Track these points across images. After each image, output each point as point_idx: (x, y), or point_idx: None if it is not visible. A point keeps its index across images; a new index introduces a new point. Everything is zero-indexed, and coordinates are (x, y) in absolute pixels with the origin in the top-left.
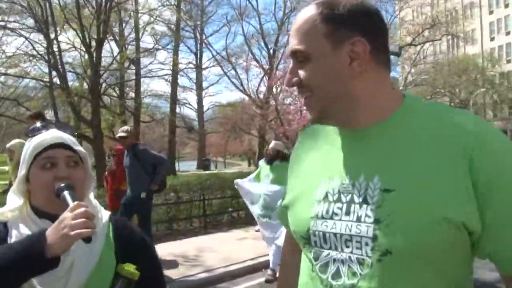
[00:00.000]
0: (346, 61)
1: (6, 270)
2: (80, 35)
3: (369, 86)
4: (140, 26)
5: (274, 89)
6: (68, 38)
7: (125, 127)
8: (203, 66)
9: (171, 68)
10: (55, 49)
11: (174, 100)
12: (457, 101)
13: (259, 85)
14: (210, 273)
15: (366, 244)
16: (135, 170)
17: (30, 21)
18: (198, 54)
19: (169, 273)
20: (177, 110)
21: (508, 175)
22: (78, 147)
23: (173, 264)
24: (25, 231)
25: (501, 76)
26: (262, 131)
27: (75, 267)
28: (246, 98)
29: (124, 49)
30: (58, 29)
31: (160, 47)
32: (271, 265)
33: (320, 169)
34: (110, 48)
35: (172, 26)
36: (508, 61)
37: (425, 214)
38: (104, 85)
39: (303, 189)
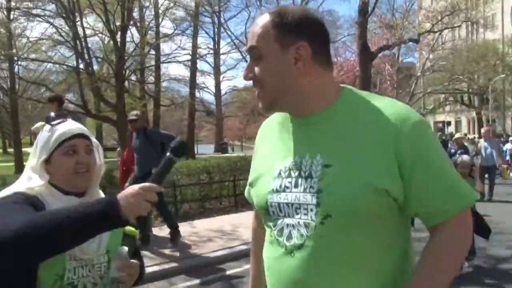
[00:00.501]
0: (292, 61)
1: (85, 224)
2: (105, 20)
3: (312, 82)
4: (160, 11)
5: None
6: (88, 23)
7: (135, 111)
8: (221, 51)
9: (190, 53)
10: (80, 33)
11: (193, 84)
12: (475, 87)
13: None
14: (248, 246)
15: (311, 210)
16: (145, 151)
17: (52, 7)
18: (216, 39)
19: (210, 245)
20: (196, 94)
21: (425, 153)
22: (93, 138)
23: (212, 238)
24: (57, 204)
25: None
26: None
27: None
28: None
29: (144, 34)
30: (83, 14)
31: (179, 31)
32: None
33: (275, 151)
34: (130, 34)
35: (191, 11)
36: None
37: (355, 183)
38: (127, 70)
39: (263, 170)
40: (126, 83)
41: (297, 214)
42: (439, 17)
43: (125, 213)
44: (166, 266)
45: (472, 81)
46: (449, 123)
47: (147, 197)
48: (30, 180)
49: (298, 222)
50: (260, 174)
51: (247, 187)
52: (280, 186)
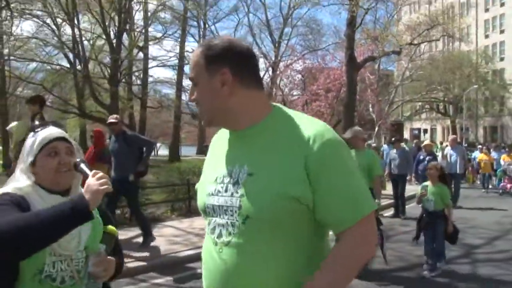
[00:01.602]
0: (219, 85)
1: (59, 223)
2: (101, 24)
3: (240, 102)
4: (149, 14)
5: (278, 81)
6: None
7: (114, 115)
8: None
9: (178, 57)
10: (76, 32)
11: (179, 87)
12: (451, 96)
13: (263, 76)
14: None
15: (235, 212)
16: (124, 154)
17: (37, 6)
18: (201, 42)
19: (177, 247)
20: (183, 97)
21: (328, 169)
22: (72, 141)
23: (180, 239)
24: (40, 203)
25: (494, 73)
26: None
27: (82, 228)
28: None
29: (133, 37)
30: (79, 18)
31: (168, 34)
32: None
33: (217, 160)
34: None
35: (180, 16)
36: (502, 59)
37: (270, 190)
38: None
39: (205, 176)
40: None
41: (226, 215)
42: (420, 31)
43: (91, 208)
44: (135, 264)
45: (448, 90)
46: (425, 131)
47: (101, 187)
48: (18, 182)
49: (227, 222)
50: (203, 179)
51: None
52: (215, 190)
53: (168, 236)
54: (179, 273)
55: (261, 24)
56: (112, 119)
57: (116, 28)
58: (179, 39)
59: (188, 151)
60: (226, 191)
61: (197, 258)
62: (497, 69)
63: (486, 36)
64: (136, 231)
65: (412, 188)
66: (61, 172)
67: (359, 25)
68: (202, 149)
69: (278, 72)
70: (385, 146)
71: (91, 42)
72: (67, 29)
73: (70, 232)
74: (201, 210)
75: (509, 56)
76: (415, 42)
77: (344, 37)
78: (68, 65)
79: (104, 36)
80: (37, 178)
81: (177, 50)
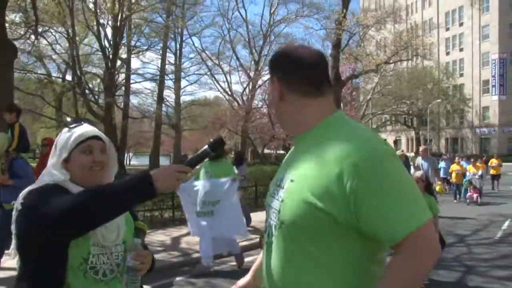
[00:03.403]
0: (273, 92)
1: (126, 197)
2: (97, 38)
3: (289, 109)
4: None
5: (260, 95)
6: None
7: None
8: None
9: (159, 69)
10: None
11: (160, 98)
12: (415, 110)
13: (244, 89)
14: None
15: (276, 215)
16: None
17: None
18: (178, 54)
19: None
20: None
21: (369, 180)
22: (106, 138)
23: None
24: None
25: (454, 88)
26: (244, 132)
27: (120, 224)
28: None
29: (117, 50)
30: (78, 34)
31: (151, 47)
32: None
33: (283, 163)
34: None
35: (161, 31)
36: (461, 75)
37: (300, 198)
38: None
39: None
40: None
41: (273, 216)
42: (391, 49)
43: (156, 185)
44: None
45: (413, 104)
46: (395, 142)
47: (177, 175)
48: (53, 176)
49: (271, 223)
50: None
51: None
52: (272, 192)
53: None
54: (157, 282)
55: (243, 40)
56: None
57: (111, 42)
58: (160, 52)
59: (163, 161)
60: (276, 194)
61: (175, 266)
62: (457, 84)
63: (447, 53)
64: None
65: None
66: (94, 170)
67: (345, 46)
68: (181, 159)
69: (256, 86)
70: None
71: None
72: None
73: (122, 215)
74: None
75: (468, 72)
76: (392, 61)
77: (330, 57)
78: (59, 76)
79: (98, 49)
80: (70, 175)
81: (157, 62)
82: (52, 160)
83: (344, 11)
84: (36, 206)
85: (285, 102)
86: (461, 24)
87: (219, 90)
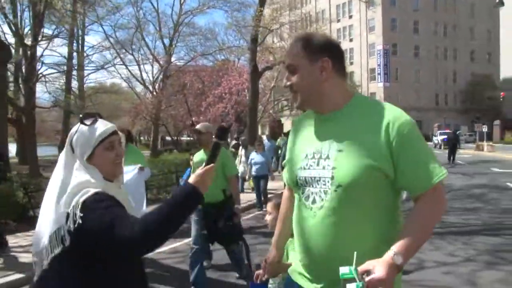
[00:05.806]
0: (318, 71)
1: (184, 209)
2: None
3: (331, 88)
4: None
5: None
6: None
7: None
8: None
9: (66, 57)
10: None
11: (68, 86)
12: None
13: (157, 78)
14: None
15: (328, 182)
16: None
17: None
18: (80, 41)
19: None
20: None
21: (407, 143)
22: (120, 133)
23: None
24: (114, 194)
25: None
26: (156, 120)
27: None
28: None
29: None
30: None
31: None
32: None
33: (304, 140)
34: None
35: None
36: (351, 63)
37: (358, 163)
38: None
39: (295, 153)
40: None
41: (318, 184)
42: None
43: (202, 191)
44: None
45: None
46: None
47: (210, 176)
48: (91, 180)
49: (319, 190)
50: (292, 156)
51: (283, 167)
52: (307, 165)
53: None
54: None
55: (154, 31)
56: None
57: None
58: (67, 39)
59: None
60: (318, 165)
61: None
62: (348, 72)
63: (339, 43)
64: None
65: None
66: (117, 163)
67: (262, 41)
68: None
69: (168, 75)
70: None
71: None
72: None
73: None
74: (291, 182)
75: (357, 61)
76: None
77: (248, 50)
78: None
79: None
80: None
81: (64, 50)
82: (70, 160)
83: (262, 9)
84: (112, 226)
85: (328, 81)
86: (350, 17)
87: (126, 78)
